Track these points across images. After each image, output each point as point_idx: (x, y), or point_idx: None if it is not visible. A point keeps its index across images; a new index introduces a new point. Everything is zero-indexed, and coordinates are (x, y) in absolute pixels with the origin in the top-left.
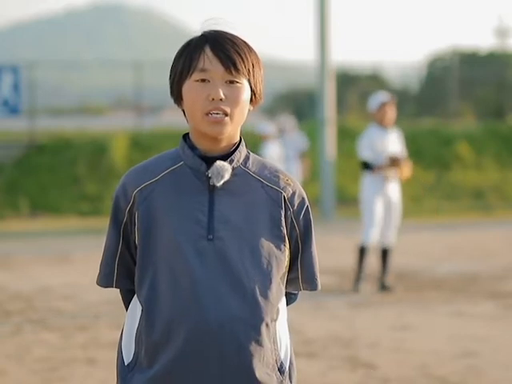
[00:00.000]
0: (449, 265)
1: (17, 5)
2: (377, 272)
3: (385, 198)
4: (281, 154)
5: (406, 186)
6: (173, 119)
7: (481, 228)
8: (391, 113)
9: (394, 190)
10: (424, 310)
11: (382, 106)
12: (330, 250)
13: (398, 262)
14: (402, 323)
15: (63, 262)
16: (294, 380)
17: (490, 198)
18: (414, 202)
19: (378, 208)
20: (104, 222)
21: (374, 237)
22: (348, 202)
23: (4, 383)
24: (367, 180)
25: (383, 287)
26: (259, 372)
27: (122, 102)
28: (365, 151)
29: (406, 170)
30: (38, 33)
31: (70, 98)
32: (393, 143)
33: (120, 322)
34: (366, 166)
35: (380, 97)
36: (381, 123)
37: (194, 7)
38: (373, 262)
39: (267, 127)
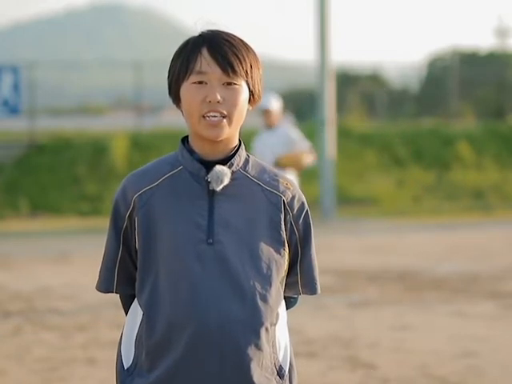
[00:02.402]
0: (449, 265)
1: (17, 5)
2: (381, 272)
3: None
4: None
5: (407, 186)
6: (173, 119)
7: (481, 228)
8: (274, 116)
9: None
10: (424, 310)
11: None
12: (329, 250)
13: (398, 263)
14: (402, 323)
15: (63, 262)
16: (294, 383)
17: (490, 198)
18: (414, 201)
19: None
20: (104, 222)
21: None
22: (348, 202)
23: (4, 383)
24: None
25: None
26: (257, 376)
27: (122, 102)
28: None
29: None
30: (38, 33)
31: (70, 98)
32: (276, 143)
33: (120, 322)
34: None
35: (268, 100)
36: (265, 124)
37: (194, 7)
38: (376, 262)
39: None
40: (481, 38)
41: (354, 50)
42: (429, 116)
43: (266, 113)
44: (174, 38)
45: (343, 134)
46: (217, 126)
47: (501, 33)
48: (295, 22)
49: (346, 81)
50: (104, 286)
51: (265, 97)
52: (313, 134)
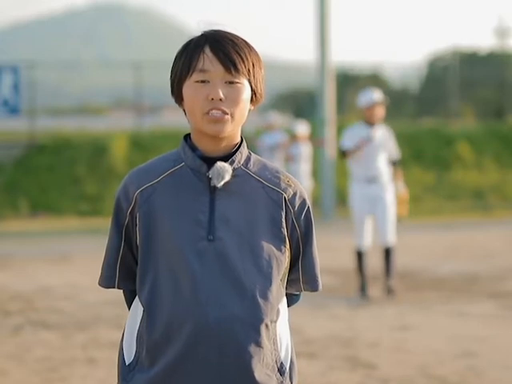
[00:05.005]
0: (449, 265)
1: (17, 5)
2: (379, 274)
3: (371, 199)
4: (309, 154)
5: (407, 186)
6: (173, 119)
7: (481, 228)
8: (380, 112)
9: (379, 189)
10: (424, 310)
11: (373, 105)
12: (329, 250)
13: (399, 262)
14: (402, 323)
15: (63, 262)
16: (294, 380)
17: (490, 198)
18: (415, 202)
19: (364, 211)
20: (104, 222)
21: (367, 240)
22: (348, 202)
23: (4, 383)
24: (352, 184)
25: (388, 290)
26: (258, 373)
27: (122, 102)
28: (346, 142)
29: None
30: (38, 33)
31: (70, 98)
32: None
33: (120, 322)
34: (343, 153)
35: (371, 95)
36: (369, 120)
37: (194, 7)
38: (376, 262)
39: (300, 126)
40: (481, 38)
41: (354, 49)
42: (429, 116)
43: (375, 106)
44: (174, 38)
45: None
46: (219, 121)
47: (501, 33)
48: (295, 22)
49: (346, 81)
50: (106, 282)
51: (372, 90)
52: (313, 134)
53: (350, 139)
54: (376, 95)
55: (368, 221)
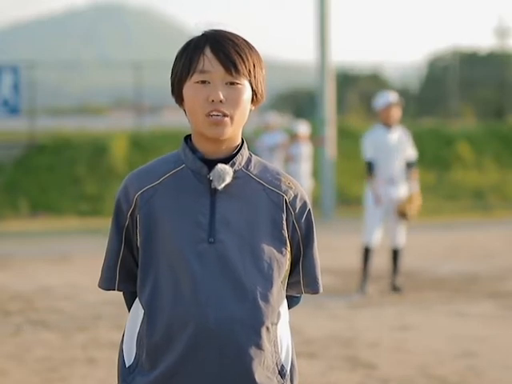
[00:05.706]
0: (449, 265)
1: (17, 4)
2: (381, 272)
3: (386, 200)
4: (309, 154)
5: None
6: (173, 119)
7: (481, 228)
8: (397, 113)
9: (396, 191)
10: (424, 310)
11: (389, 106)
12: (329, 250)
13: None
14: (402, 323)
15: (63, 262)
16: (295, 382)
17: (490, 198)
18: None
19: (379, 210)
20: (104, 222)
21: (376, 238)
22: (348, 202)
23: (4, 383)
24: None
25: (394, 288)
26: (259, 375)
27: (122, 102)
28: (368, 154)
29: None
30: (38, 33)
31: (70, 98)
32: (396, 142)
33: (120, 323)
34: (369, 165)
35: (387, 97)
36: (386, 122)
37: (194, 7)
38: (377, 262)
39: (301, 126)
40: (481, 38)
41: (354, 49)
42: (429, 116)
43: (392, 107)
44: (174, 38)
45: (343, 133)
46: (220, 124)
47: (501, 33)
48: (295, 22)
49: (346, 81)
50: (106, 284)
51: (387, 92)
52: (313, 134)
53: (371, 150)
54: (392, 97)
55: (380, 220)
